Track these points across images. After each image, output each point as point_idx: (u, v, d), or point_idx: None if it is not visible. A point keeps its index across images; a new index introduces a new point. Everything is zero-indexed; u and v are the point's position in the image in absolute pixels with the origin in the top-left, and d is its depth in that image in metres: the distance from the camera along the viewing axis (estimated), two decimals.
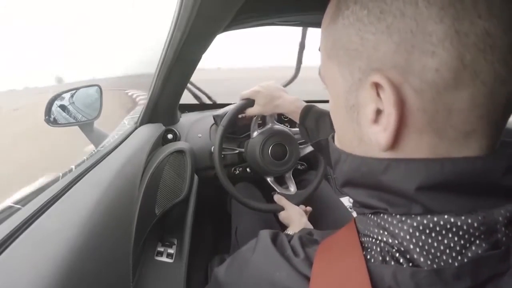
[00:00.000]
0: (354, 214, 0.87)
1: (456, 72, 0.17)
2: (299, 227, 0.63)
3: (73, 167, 0.50)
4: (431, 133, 0.19)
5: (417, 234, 0.19)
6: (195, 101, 1.07)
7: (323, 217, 0.80)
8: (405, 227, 0.20)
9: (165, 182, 0.63)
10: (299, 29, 0.97)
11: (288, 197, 0.71)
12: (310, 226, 0.64)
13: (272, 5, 0.55)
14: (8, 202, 0.38)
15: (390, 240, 0.21)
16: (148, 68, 0.65)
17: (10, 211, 0.36)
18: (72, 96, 0.72)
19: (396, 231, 0.20)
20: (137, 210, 0.49)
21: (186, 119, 0.89)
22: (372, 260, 0.21)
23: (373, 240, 0.22)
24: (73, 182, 0.43)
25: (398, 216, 0.21)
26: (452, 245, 0.19)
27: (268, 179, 0.75)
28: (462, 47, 0.17)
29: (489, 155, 0.19)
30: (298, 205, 0.72)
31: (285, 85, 1.15)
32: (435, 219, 0.19)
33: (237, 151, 0.80)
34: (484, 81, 0.17)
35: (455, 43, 0.17)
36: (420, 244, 0.19)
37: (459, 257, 0.18)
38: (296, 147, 0.73)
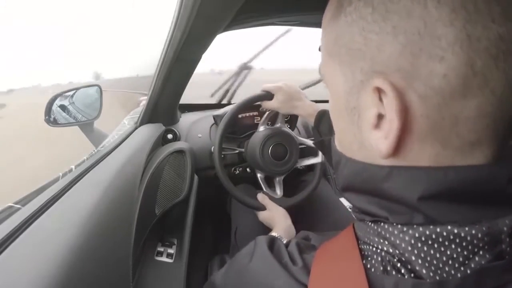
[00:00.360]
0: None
1: (465, 79, 0.16)
2: (283, 229, 0.61)
3: (73, 167, 0.50)
4: (434, 141, 0.18)
5: (419, 245, 0.19)
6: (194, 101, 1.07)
7: (323, 218, 0.80)
8: (406, 238, 0.19)
9: (165, 182, 0.63)
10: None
11: (273, 200, 0.70)
12: (293, 229, 0.63)
13: (272, 5, 0.55)
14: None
15: (391, 250, 0.20)
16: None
17: (10, 211, 0.36)
18: (72, 96, 0.72)
19: (397, 241, 0.20)
20: (137, 210, 0.49)
21: (186, 119, 0.89)
22: (373, 270, 0.20)
23: (374, 248, 0.21)
24: (73, 182, 0.43)
25: (399, 226, 0.20)
26: (455, 256, 0.18)
27: (258, 175, 0.74)
28: (473, 53, 0.16)
29: (493, 164, 0.19)
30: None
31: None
32: (438, 229, 0.18)
33: (237, 151, 0.80)
34: (494, 90, 0.16)
35: (466, 48, 0.16)
36: (422, 255, 0.19)
37: (462, 268, 0.18)
38: (296, 149, 0.73)
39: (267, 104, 0.67)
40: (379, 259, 0.21)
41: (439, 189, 0.18)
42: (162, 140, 0.78)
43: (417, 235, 0.19)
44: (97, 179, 0.46)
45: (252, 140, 0.75)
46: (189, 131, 0.84)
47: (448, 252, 0.18)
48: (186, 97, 0.81)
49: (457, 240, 0.18)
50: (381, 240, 0.21)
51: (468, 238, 0.18)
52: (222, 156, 0.76)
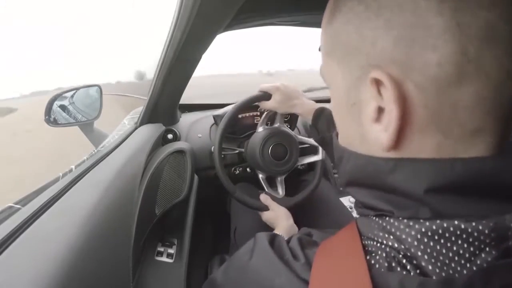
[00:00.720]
0: (355, 215, 0.86)
1: (460, 67, 0.17)
2: (285, 229, 0.62)
3: (73, 167, 0.50)
4: (435, 131, 0.19)
5: (425, 240, 0.19)
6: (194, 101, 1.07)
7: (323, 218, 0.80)
8: (412, 232, 0.19)
9: (165, 182, 0.63)
10: None
11: (276, 200, 0.70)
12: (295, 229, 0.63)
13: (272, 5, 0.55)
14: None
15: (396, 245, 0.20)
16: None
17: (10, 211, 0.36)
18: (72, 96, 0.72)
19: (403, 236, 0.20)
20: (137, 210, 0.49)
21: (186, 119, 0.89)
22: (377, 266, 0.20)
23: (378, 244, 0.21)
24: (73, 182, 0.43)
25: (405, 220, 0.20)
26: (461, 252, 0.18)
27: (260, 176, 0.74)
28: (464, 40, 0.16)
29: (499, 155, 0.18)
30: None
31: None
32: (445, 224, 0.18)
33: (237, 151, 0.80)
34: (490, 75, 0.17)
35: (457, 35, 0.16)
36: (429, 250, 0.18)
37: (468, 265, 0.18)
38: (296, 148, 0.73)
39: (265, 104, 0.67)
40: (384, 254, 0.20)
41: (446, 181, 0.18)
42: (162, 140, 0.78)
43: (423, 229, 0.19)
44: (97, 179, 0.46)
45: (251, 140, 0.75)
46: (189, 131, 0.84)
47: (455, 248, 0.18)
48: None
49: (464, 236, 0.18)
50: (386, 235, 0.21)
51: (475, 234, 0.17)
52: (222, 156, 0.76)
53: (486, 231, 0.17)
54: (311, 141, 0.76)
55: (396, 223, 0.20)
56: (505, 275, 0.17)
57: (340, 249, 0.23)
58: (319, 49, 0.26)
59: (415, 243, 0.19)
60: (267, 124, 0.76)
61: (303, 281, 0.23)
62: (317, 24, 0.67)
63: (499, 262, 0.17)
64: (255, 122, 0.86)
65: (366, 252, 0.21)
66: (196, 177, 0.76)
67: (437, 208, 0.19)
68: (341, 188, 0.96)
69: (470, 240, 0.18)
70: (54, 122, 0.67)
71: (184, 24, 0.44)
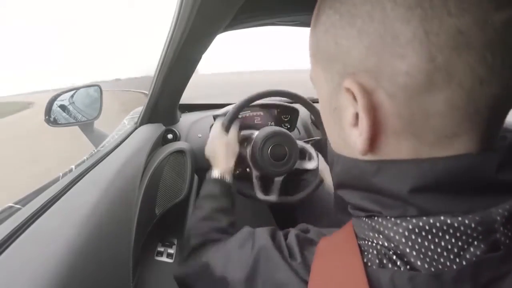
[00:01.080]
0: None
1: (428, 75, 0.17)
2: (222, 166, 0.56)
3: (73, 167, 0.50)
4: (409, 136, 0.19)
5: (413, 237, 0.19)
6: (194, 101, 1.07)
7: (322, 218, 0.80)
8: (400, 230, 0.20)
9: (165, 182, 0.63)
10: None
11: (264, 202, 0.70)
12: (229, 172, 0.56)
13: (272, 5, 0.55)
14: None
15: (386, 244, 0.20)
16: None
17: (10, 211, 0.36)
18: (72, 96, 0.72)
19: (391, 234, 0.20)
20: (137, 210, 0.49)
21: (186, 119, 0.89)
22: (369, 264, 0.21)
23: (369, 243, 0.22)
24: (73, 182, 0.43)
25: (392, 219, 0.20)
26: (449, 247, 0.18)
27: (254, 174, 0.72)
28: (432, 48, 0.16)
29: (480, 152, 0.18)
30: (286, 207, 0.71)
31: None
32: (431, 220, 0.18)
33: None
34: (461, 83, 0.16)
35: (425, 44, 0.16)
36: (417, 247, 0.19)
37: (457, 259, 0.18)
38: (296, 149, 0.73)
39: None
40: (375, 252, 0.21)
41: (429, 180, 0.18)
42: (162, 140, 0.78)
43: (410, 226, 0.19)
44: (97, 179, 0.46)
45: (252, 140, 0.75)
46: (189, 131, 0.84)
47: (443, 243, 0.18)
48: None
49: (451, 231, 0.18)
50: (376, 235, 0.21)
51: (462, 228, 0.18)
52: None
53: (473, 225, 0.18)
54: (309, 147, 0.75)
55: (384, 222, 0.21)
56: (494, 268, 0.17)
57: (337, 250, 0.24)
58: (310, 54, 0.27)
59: (403, 240, 0.19)
60: (270, 124, 0.75)
61: (301, 280, 0.23)
62: None
63: (487, 256, 0.17)
64: (255, 122, 0.86)
65: (360, 251, 0.22)
66: (196, 177, 0.76)
67: (423, 207, 0.19)
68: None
69: (458, 234, 0.18)
70: (54, 122, 0.67)
71: (184, 24, 0.44)
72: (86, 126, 0.74)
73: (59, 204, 0.37)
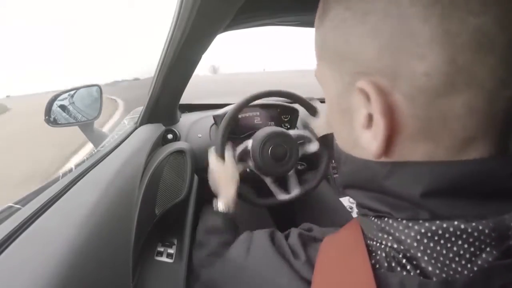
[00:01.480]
0: (354, 215, 0.86)
1: (448, 77, 0.16)
2: (226, 195, 0.56)
3: (73, 167, 0.50)
4: (426, 140, 0.18)
5: (425, 241, 0.18)
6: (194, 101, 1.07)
7: (322, 218, 0.80)
8: (411, 233, 0.19)
9: (165, 182, 0.63)
10: None
11: (282, 199, 0.70)
12: (234, 200, 0.56)
13: (272, 5, 0.55)
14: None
15: (395, 246, 0.20)
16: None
17: (10, 211, 0.36)
18: (72, 96, 0.72)
19: (402, 237, 0.19)
20: (137, 210, 0.49)
21: (186, 119, 0.89)
22: (377, 266, 0.20)
23: (378, 244, 0.21)
24: (73, 182, 0.43)
25: (404, 221, 0.20)
26: (461, 252, 0.17)
27: (267, 181, 0.74)
28: (453, 49, 0.15)
29: (495, 157, 0.18)
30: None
31: None
32: (445, 225, 0.18)
33: None
34: (482, 85, 0.16)
35: (445, 44, 0.15)
36: (428, 251, 0.18)
37: (469, 265, 0.17)
38: (295, 148, 0.73)
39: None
40: (383, 254, 0.20)
41: (442, 185, 0.18)
42: (162, 140, 0.78)
43: (423, 230, 0.19)
44: (97, 179, 0.46)
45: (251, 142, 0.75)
46: (189, 131, 0.84)
47: (455, 248, 0.18)
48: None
49: (464, 236, 0.17)
50: (385, 236, 0.21)
51: (475, 233, 0.17)
52: None
53: (487, 231, 0.17)
54: (307, 133, 0.75)
55: (395, 224, 0.20)
56: (506, 274, 0.17)
57: (343, 248, 0.23)
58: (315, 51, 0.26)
59: (415, 244, 0.19)
60: (269, 124, 0.75)
61: (304, 281, 0.22)
62: None
63: (499, 262, 0.17)
64: (255, 122, 0.86)
65: (369, 252, 0.21)
66: (196, 177, 0.76)
67: (435, 210, 0.18)
68: (340, 189, 0.96)
69: (471, 240, 0.17)
70: (54, 122, 0.67)
71: (184, 24, 0.44)
72: (86, 126, 0.74)
73: (59, 204, 0.37)
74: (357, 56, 0.19)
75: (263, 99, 0.71)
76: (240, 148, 0.72)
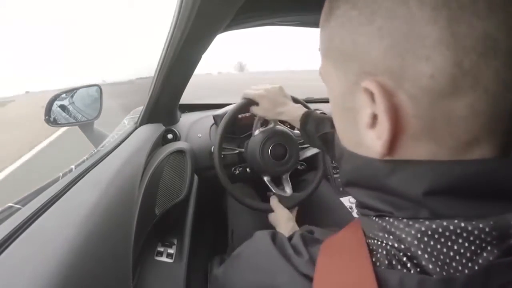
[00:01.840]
0: (354, 215, 0.86)
1: (454, 79, 0.16)
2: (285, 230, 0.62)
3: (73, 167, 0.50)
4: (429, 140, 0.18)
5: (426, 239, 0.18)
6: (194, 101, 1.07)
7: (323, 218, 0.80)
8: (412, 232, 0.19)
9: (165, 182, 0.63)
10: None
11: (283, 199, 0.71)
12: (297, 229, 0.63)
13: (272, 5, 0.55)
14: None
15: (396, 244, 0.20)
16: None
17: (10, 211, 0.36)
18: (72, 96, 0.72)
19: (403, 235, 0.20)
20: (137, 210, 0.49)
21: (186, 119, 0.89)
22: (378, 264, 0.20)
23: (378, 243, 0.21)
24: (73, 182, 0.43)
25: (404, 220, 0.20)
26: (462, 251, 0.18)
27: (265, 179, 0.75)
28: (459, 51, 0.16)
29: (498, 158, 0.18)
30: (293, 207, 0.71)
31: None
32: (445, 223, 0.18)
33: (237, 151, 0.80)
34: (486, 88, 0.16)
35: (452, 47, 0.16)
36: (429, 249, 0.18)
37: (470, 264, 0.17)
38: (296, 147, 0.73)
39: (254, 110, 0.67)
40: (384, 253, 0.20)
41: (444, 184, 0.18)
42: (162, 140, 0.78)
43: (423, 229, 0.19)
44: (97, 179, 0.46)
45: (252, 140, 0.75)
46: (189, 131, 0.84)
47: (455, 247, 0.18)
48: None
49: (465, 234, 0.17)
50: (386, 235, 0.21)
51: (476, 232, 0.17)
52: (222, 156, 0.76)
53: (487, 229, 0.17)
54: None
55: (395, 223, 0.20)
56: (506, 273, 0.17)
57: (345, 247, 0.23)
58: (319, 49, 0.26)
59: (415, 242, 0.19)
60: (262, 126, 0.76)
61: (305, 277, 0.23)
62: (317, 24, 0.67)
63: (499, 261, 0.17)
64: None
65: (370, 251, 0.21)
66: (196, 177, 0.76)
67: (436, 209, 0.19)
68: (341, 189, 0.96)
69: (471, 239, 0.17)
70: (54, 122, 0.67)
71: (184, 24, 0.44)
72: (86, 126, 0.74)
73: (59, 204, 0.38)
74: (363, 56, 0.19)
75: None
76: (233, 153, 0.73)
